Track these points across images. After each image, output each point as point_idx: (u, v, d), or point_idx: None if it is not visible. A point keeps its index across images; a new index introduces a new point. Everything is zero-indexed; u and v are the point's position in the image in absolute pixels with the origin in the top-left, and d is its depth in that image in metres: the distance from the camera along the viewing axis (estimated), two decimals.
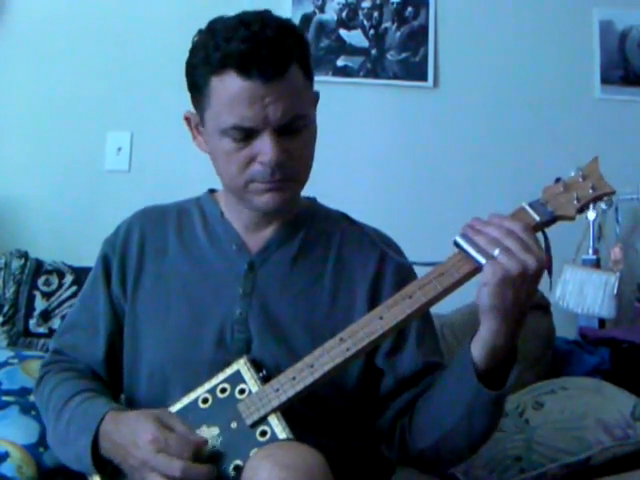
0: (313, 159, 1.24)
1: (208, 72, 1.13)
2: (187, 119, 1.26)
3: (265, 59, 1.09)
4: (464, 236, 1.05)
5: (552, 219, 1.08)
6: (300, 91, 1.16)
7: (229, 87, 1.11)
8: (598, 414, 1.65)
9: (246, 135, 1.14)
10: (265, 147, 1.13)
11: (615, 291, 2.25)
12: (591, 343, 2.21)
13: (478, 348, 1.06)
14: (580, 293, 2.27)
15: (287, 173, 1.17)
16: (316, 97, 1.26)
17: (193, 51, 1.17)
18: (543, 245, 1.08)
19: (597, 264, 2.38)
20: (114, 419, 1.10)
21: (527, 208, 1.08)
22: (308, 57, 1.19)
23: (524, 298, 1.02)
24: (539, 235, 1.08)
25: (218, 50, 1.11)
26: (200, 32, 1.18)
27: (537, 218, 1.07)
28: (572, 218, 1.09)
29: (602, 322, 2.37)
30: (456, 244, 1.06)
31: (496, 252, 1.00)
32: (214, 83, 1.13)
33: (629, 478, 1.55)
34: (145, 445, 1.02)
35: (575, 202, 1.09)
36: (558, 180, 1.11)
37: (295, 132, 1.16)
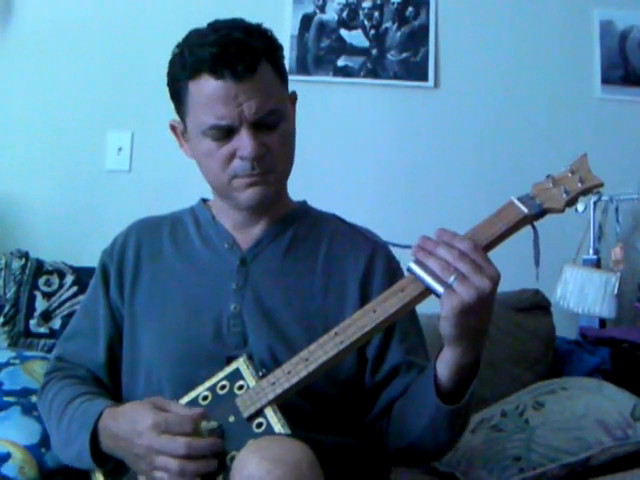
0: (293, 155, 1.28)
1: (185, 78, 1.20)
2: (173, 128, 1.31)
3: (234, 59, 1.15)
4: (417, 262, 1.05)
5: (541, 212, 1.10)
6: (272, 88, 1.21)
7: (204, 89, 1.17)
8: (598, 414, 1.65)
9: (225, 133, 1.19)
10: (243, 142, 1.18)
11: (616, 291, 2.25)
12: (591, 343, 2.21)
13: (442, 367, 1.09)
14: (581, 293, 2.27)
15: (266, 166, 1.22)
16: (293, 97, 1.31)
17: (171, 62, 1.24)
18: (532, 238, 1.10)
19: (598, 264, 2.38)
20: (112, 414, 1.12)
21: (515, 201, 1.10)
22: (279, 59, 1.25)
23: (485, 320, 1.04)
24: (528, 228, 1.10)
25: (192, 56, 1.18)
26: (178, 45, 1.24)
27: (525, 210, 1.08)
28: (561, 210, 1.11)
29: (602, 322, 2.37)
30: (409, 271, 1.06)
31: (451, 279, 1.01)
32: (191, 88, 1.19)
33: (629, 478, 1.55)
34: (147, 431, 1.04)
35: (564, 195, 1.10)
36: (548, 176, 1.13)
37: (271, 127, 1.21)
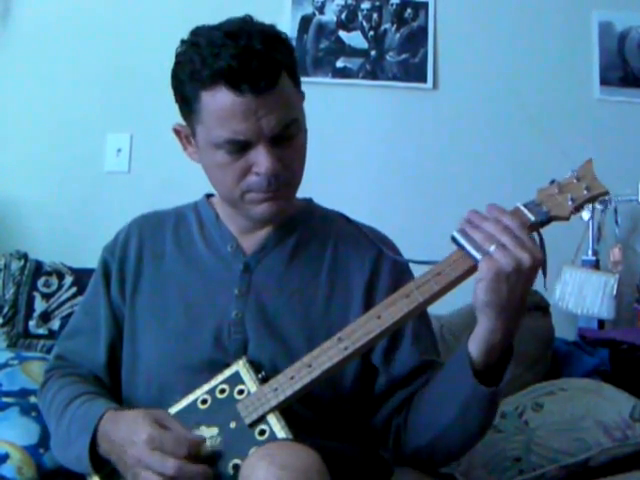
0: (305, 160, 1.24)
1: (197, 87, 1.13)
2: (177, 131, 1.26)
3: (256, 73, 1.10)
4: (461, 231, 1.07)
5: (547, 219, 1.09)
6: (290, 98, 1.17)
7: (220, 102, 1.11)
8: (597, 415, 1.65)
9: (240, 147, 1.14)
10: (260, 158, 1.14)
11: (614, 292, 2.25)
12: (590, 344, 2.21)
13: (474, 345, 1.07)
14: (579, 294, 2.27)
15: (282, 181, 1.18)
16: (302, 97, 1.26)
17: (179, 65, 1.17)
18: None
19: (596, 265, 2.38)
20: (112, 418, 1.11)
21: (522, 208, 1.09)
22: (294, 62, 1.20)
23: (519, 295, 1.03)
24: (534, 235, 1.08)
25: (206, 66, 1.11)
26: (183, 43, 1.17)
27: (532, 218, 1.08)
28: (567, 218, 1.10)
29: (601, 323, 2.37)
30: (453, 239, 1.07)
31: (492, 248, 1.02)
32: (204, 98, 1.13)
33: (628, 479, 1.55)
34: (141, 443, 1.03)
35: (570, 202, 1.10)
36: (553, 182, 1.13)
37: (289, 139, 1.17)
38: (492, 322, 1.04)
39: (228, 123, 1.12)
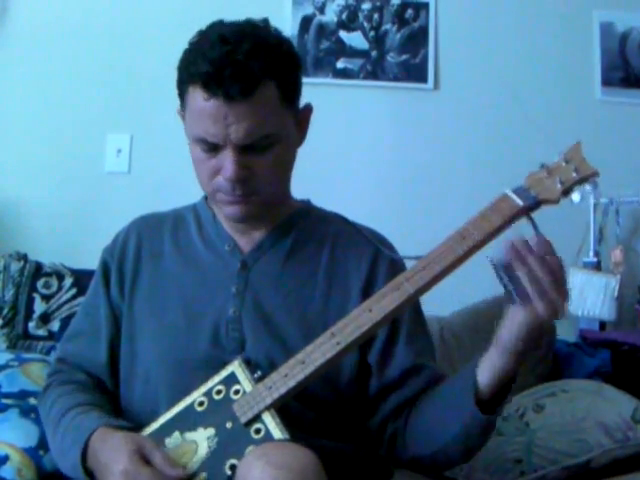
0: (286, 172, 1.25)
1: (185, 82, 1.17)
2: (180, 114, 1.27)
3: (229, 80, 1.10)
4: (506, 265, 1.01)
5: (536, 203, 1.08)
6: (271, 111, 1.15)
7: (197, 101, 1.14)
8: (598, 416, 1.65)
9: (212, 147, 1.16)
10: (226, 163, 1.15)
11: (616, 293, 2.25)
12: (592, 345, 2.21)
13: (485, 378, 1.07)
14: (581, 295, 2.27)
15: (249, 189, 1.18)
16: (307, 111, 1.26)
17: (184, 54, 1.19)
18: (532, 229, 1.07)
19: (598, 266, 2.38)
20: (101, 437, 1.11)
21: (510, 194, 1.08)
22: (290, 75, 1.19)
23: (540, 342, 1.06)
24: (525, 220, 1.08)
25: (194, 64, 1.14)
26: (198, 34, 1.19)
27: (520, 203, 1.06)
28: (556, 201, 1.08)
29: (603, 324, 2.37)
30: (494, 268, 1.02)
31: (536, 296, 0.99)
32: (188, 94, 1.16)
33: None
34: (117, 474, 1.03)
35: (559, 185, 1.08)
36: (542, 166, 1.11)
37: (261, 150, 1.16)
38: (511, 365, 1.05)
39: (201, 123, 1.14)
